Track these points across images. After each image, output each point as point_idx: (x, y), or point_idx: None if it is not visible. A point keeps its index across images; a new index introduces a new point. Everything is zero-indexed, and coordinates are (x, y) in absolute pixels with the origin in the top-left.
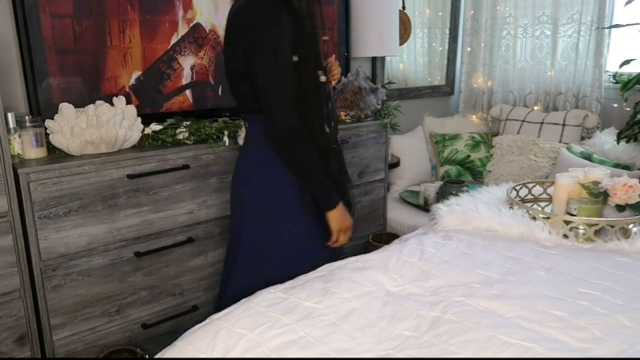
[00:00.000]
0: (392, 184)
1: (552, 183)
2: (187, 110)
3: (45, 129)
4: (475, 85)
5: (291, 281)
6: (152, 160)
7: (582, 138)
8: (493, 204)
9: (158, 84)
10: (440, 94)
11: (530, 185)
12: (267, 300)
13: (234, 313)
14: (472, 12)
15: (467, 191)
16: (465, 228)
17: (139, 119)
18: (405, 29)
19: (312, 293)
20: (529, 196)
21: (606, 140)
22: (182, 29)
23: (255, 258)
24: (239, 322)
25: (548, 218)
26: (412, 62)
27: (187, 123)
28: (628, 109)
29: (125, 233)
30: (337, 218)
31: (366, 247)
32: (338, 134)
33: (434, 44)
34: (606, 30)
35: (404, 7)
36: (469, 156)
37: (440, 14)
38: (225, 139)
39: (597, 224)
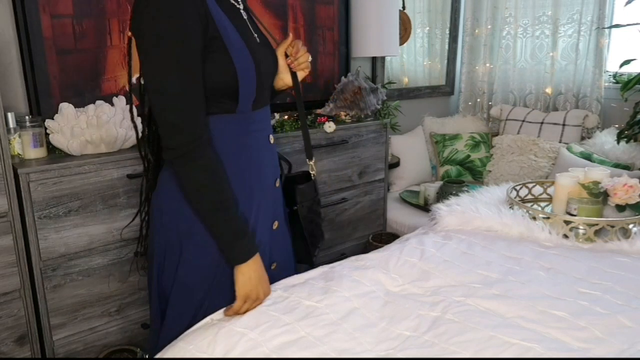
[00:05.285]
0: (392, 184)
1: (552, 183)
2: None
3: (45, 129)
4: (475, 86)
5: (292, 279)
6: None
7: (582, 138)
8: (493, 204)
9: None
10: (440, 94)
11: (530, 185)
12: (267, 299)
13: None
14: (472, 12)
15: (467, 191)
16: (465, 228)
17: (139, 119)
18: (405, 29)
19: (313, 292)
20: (529, 196)
21: (606, 140)
22: None
23: None
24: (240, 321)
25: (548, 218)
26: (412, 62)
27: None
28: (628, 109)
29: (125, 233)
30: (246, 278)
31: (366, 247)
32: None
33: (434, 44)
34: (606, 30)
35: (404, 7)
36: (469, 156)
37: (440, 14)
38: None
39: (597, 224)
